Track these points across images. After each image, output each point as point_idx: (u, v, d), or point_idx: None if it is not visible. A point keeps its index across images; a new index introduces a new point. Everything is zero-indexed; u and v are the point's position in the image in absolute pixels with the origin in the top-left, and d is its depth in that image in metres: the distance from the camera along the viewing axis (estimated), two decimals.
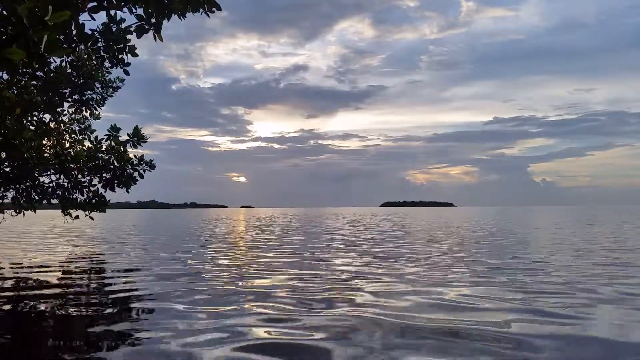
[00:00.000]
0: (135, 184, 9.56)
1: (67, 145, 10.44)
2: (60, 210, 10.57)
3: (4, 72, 5.98)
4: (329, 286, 7.08)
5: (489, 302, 5.89)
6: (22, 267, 9.87)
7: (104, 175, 9.69)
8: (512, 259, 10.29)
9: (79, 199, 10.22)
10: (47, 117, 10.11)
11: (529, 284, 7.13)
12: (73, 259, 11.45)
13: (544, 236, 17.98)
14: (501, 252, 11.78)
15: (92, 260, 11.03)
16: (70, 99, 9.55)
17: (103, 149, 9.74)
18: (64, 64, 8.75)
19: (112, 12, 5.84)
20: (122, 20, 6.07)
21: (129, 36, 6.20)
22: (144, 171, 9.53)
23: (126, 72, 6.89)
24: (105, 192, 9.93)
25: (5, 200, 10.28)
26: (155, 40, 5.50)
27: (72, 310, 5.69)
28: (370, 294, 6.47)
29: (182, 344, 4.19)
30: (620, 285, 7.00)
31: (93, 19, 5.19)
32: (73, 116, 10.75)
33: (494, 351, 3.95)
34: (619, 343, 4.22)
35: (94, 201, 10.11)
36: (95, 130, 10.90)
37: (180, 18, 5.43)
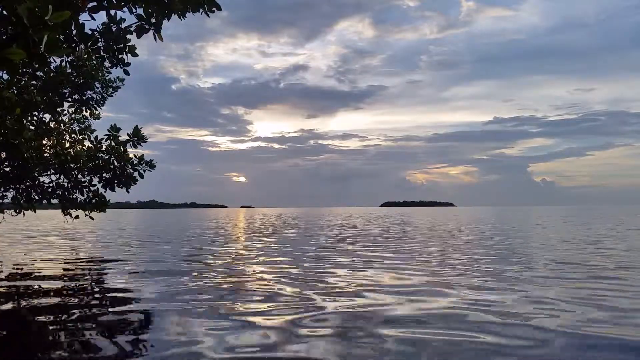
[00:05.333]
0: (135, 183, 9.55)
1: (67, 145, 10.43)
2: (60, 210, 10.57)
3: (4, 72, 5.98)
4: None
5: None
6: (21, 267, 9.87)
7: (104, 175, 9.67)
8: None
9: (79, 199, 10.21)
10: (47, 117, 10.09)
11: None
12: (73, 258, 11.45)
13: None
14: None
15: (92, 260, 11.03)
16: (70, 99, 9.54)
17: (103, 149, 9.73)
18: (64, 64, 8.74)
19: (112, 12, 5.83)
20: (122, 20, 6.05)
21: (129, 36, 6.18)
22: (144, 171, 9.51)
23: (126, 72, 6.86)
24: (105, 192, 9.92)
25: (5, 200, 10.27)
26: (155, 40, 5.50)
27: (72, 309, 5.69)
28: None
29: (182, 344, 4.19)
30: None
31: (93, 19, 5.18)
32: (73, 116, 10.74)
33: None
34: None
35: (94, 201, 10.10)
36: (95, 130, 10.90)
37: (180, 18, 5.42)
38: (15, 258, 11.59)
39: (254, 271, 8.86)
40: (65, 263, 10.64)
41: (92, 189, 10.05)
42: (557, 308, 5.57)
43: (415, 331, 4.58)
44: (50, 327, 4.88)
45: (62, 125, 10.61)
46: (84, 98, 9.64)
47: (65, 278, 8.26)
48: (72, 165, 9.71)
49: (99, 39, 6.12)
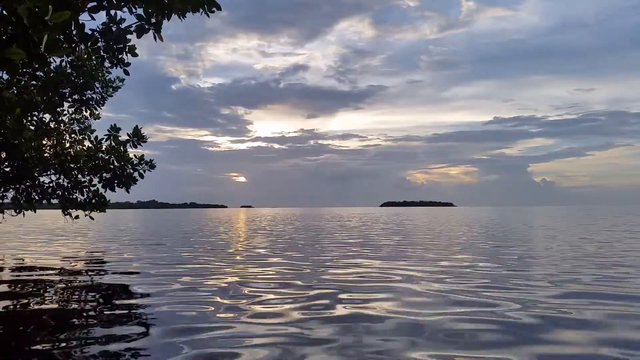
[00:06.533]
0: (135, 183, 9.56)
1: (67, 145, 10.44)
2: (60, 210, 10.57)
3: (4, 72, 5.98)
4: None
5: None
6: (21, 267, 9.87)
7: (104, 175, 9.68)
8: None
9: (79, 199, 10.22)
10: (47, 117, 10.11)
11: None
12: (73, 258, 11.46)
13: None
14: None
15: (91, 260, 11.03)
16: (70, 99, 9.55)
17: (103, 148, 9.74)
18: (64, 64, 8.74)
19: (112, 12, 5.83)
20: (122, 20, 6.05)
21: (129, 36, 6.19)
22: (144, 171, 9.52)
23: (126, 72, 6.87)
24: (105, 192, 9.93)
25: (5, 200, 10.28)
26: (155, 40, 5.50)
27: (72, 310, 5.69)
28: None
29: (181, 343, 4.20)
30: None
31: (93, 19, 5.18)
32: (73, 116, 10.75)
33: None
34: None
35: (94, 201, 10.11)
36: (95, 130, 10.92)
37: (180, 18, 5.42)
38: (16, 257, 11.60)
39: (251, 270, 8.87)
40: (64, 262, 10.64)
41: (92, 189, 10.07)
42: None
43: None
44: (49, 326, 4.89)
45: (62, 125, 10.62)
46: (84, 98, 9.65)
47: (65, 277, 8.27)
48: (72, 165, 9.72)
49: (99, 39, 6.12)
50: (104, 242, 16.63)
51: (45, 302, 6.15)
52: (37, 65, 5.85)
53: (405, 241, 15.60)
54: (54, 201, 10.29)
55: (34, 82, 8.78)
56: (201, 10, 5.40)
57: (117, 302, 6.19)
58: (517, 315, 5.16)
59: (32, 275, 8.61)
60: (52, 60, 6.94)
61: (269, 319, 5.10)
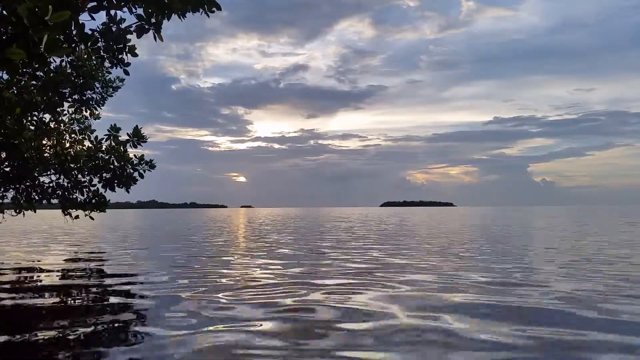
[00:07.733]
0: (135, 183, 9.55)
1: (67, 145, 10.43)
2: (60, 210, 10.57)
3: (4, 72, 5.97)
4: None
5: None
6: (22, 267, 9.87)
7: (104, 175, 9.67)
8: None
9: (79, 199, 10.21)
10: (47, 117, 10.09)
11: None
12: (72, 257, 11.46)
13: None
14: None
15: (91, 260, 11.03)
16: (70, 99, 9.53)
17: (103, 148, 9.73)
18: (64, 64, 8.73)
19: (112, 12, 5.82)
20: (122, 20, 6.04)
21: (129, 36, 6.18)
22: (144, 171, 9.51)
23: (126, 72, 6.86)
24: (105, 192, 9.92)
25: (5, 200, 10.27)
26: (155, 40, 5.49)
27: (71, 310, 5.69)
28: None
29: (180, 343, 4.20)
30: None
31: (93, 19, 5.18)
32: (73, 116, 10.73)
33: None
34: None
35: (94, 201, 10.10)
36: (95, 130, 10.90)
37: (180, 18, 5.42)
38: (16, 256, 11.60)
39: (250, 270, 8.87)
40: (64, 262, 10.65)
41: (92, 189, 10.06)
42: None
43: None
44: (48, 327, 4.89)
45: (62, 125, 10.61)
46: (84, 98, 9.63)
47: (64, 277, 8.27)
48: (72, 165, 9.71)
49: (99, 39, 6.12)
50: (103, 241, 16.63)
51: (45, 302, 6.15)
52: (37, 65, 5.84)
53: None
54: (54, 201, 10.28)
55: (34, 82, 8.77)
56: (201, 10, 5.39)
57: (116, 300, 6.20)
58: None
59: (31, 275, 8.61)
60: (52, 60, 6.94)
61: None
